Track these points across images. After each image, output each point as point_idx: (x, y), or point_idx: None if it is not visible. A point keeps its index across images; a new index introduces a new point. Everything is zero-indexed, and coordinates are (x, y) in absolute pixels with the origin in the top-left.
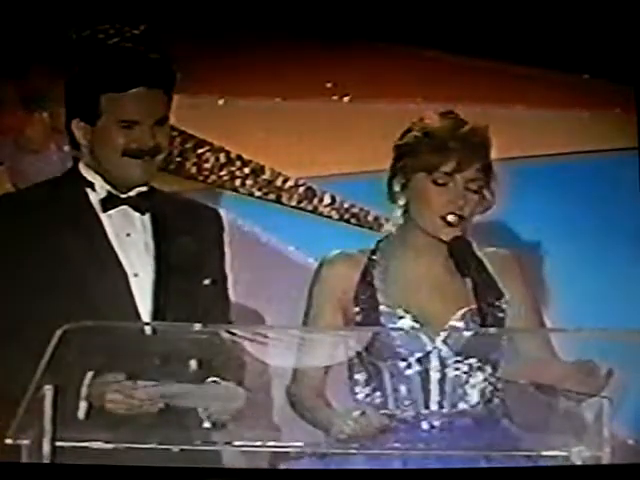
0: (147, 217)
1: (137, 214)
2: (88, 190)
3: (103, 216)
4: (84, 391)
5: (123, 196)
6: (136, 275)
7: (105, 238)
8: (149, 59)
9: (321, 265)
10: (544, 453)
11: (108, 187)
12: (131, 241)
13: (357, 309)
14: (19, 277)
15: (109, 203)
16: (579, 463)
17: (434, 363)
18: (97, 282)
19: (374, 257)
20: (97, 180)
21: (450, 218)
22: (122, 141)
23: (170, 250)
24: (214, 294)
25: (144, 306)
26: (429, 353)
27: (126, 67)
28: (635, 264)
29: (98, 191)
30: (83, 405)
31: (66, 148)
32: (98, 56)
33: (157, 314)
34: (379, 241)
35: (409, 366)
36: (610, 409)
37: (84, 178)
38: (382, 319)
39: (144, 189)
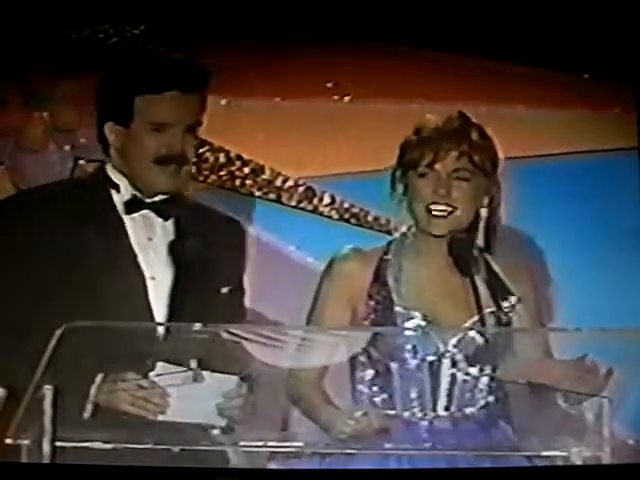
0: (170, 222)
1: (159, 219)
2: (113, 192)
3: (126, 218)
4: (93, 392)
5: (148, 200)
6: (153, 278)
7: (126, 240)
8: (185, 63)
9: (332, 261)
10: (544, 453)
11: (133, 190)
12: (152, 245)
13: (371, 309)
14: (35, 274)
15: (133, 206)
16: (579, 463)
17: (445, 367)
18: (114, 283)
19: (387, 257)
20: (122, 182)
21: (435, 208)
22: (152, 145)
23: (190, 256)
24: (230, 303)
25: (159, 309)
26: (441, 356)
27: (162, 69)
28: (635, 264)
29: (123, 193)
30: (90, 406)
31: (66, 148)
32: (134, 58)
33: (172, 318)
34: (390, 242)
35: (419, 368)
36: (610, 409)
37: (110, 179)
38: (398, 320)
39: (168, 196)
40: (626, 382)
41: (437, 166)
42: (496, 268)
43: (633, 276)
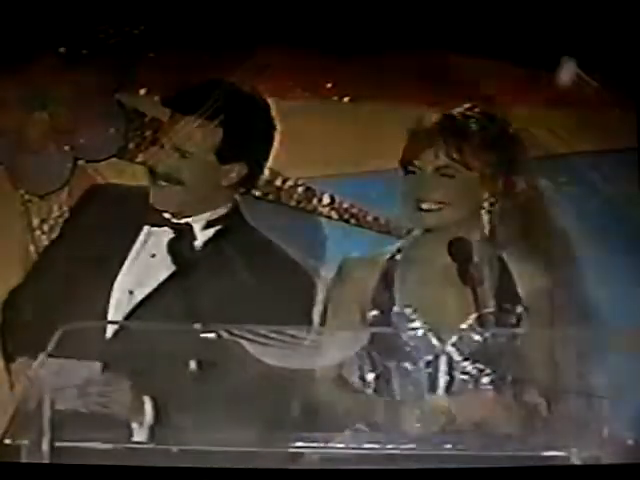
0: (197, 245)
1: (171, 238)
2: None
3: (146, 228)
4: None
5: (174, 220)
6: (131, 292)
7: (127, 250)
8: (215, 88)
9: (341, 267)
10: (544, 453)
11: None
12: (151, 262)
13: (375, 310)
14: (60, 267)
15: (153, 219)
16: (579, 463)
17: (443, 366)
18: (88, 288)
19: (396, 257)
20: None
21: (423, 206)
22: (149, 155)
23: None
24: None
25: (119, 314)
26: (438, 356)
27: (188, 89)
28: (635, 264)
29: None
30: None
31: (66, 148)
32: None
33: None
34: (400, 245)
35: (418, 368)
36: (610, 409)
37: None
38: (395, 320)
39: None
40: (626, 382)
41: (420, 163)
42: (512, 269)
43: (632, 277)
